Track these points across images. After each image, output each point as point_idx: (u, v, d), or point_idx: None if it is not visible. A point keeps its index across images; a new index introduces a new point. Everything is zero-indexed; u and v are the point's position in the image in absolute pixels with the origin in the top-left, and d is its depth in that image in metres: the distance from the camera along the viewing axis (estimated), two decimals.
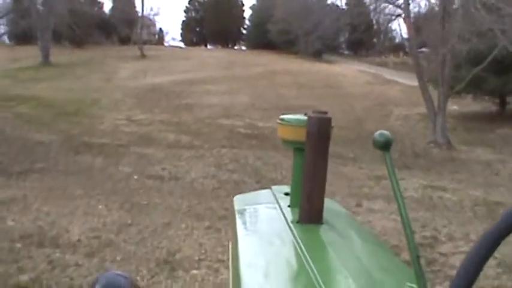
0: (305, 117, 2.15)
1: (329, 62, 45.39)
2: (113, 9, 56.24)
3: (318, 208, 2.08)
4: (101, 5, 56.89)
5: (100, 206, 7.60)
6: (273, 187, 2.79)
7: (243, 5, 65.56)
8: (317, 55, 48.48)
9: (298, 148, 2.28)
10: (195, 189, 9.16)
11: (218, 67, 34.80)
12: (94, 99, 22.46)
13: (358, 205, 8.46)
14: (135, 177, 9.78)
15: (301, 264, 1.67)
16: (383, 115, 21.37)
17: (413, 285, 1.36)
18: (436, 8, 20.52)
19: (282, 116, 2.37)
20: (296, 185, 2.28)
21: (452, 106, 20.40)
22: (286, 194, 2.53)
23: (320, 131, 2.07)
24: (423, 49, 49.88)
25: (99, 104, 21.39)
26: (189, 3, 67.44)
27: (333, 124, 2.16)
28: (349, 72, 35.87)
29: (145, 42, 53.87)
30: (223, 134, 15.80)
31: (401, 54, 53.69)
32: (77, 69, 34.52)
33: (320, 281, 1.50)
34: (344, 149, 14.31)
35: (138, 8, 49.16)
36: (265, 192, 2.80)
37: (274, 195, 2.59)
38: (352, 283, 1.51)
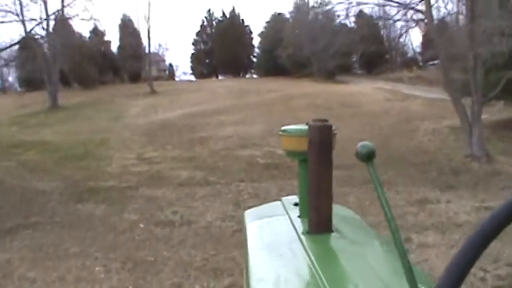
0: (306, 127, 2.12)
1: (343, 82, 44.24)
2: (120, 47, 55.65)
3: (326, 217, 2.06)
4: (108, 44, 56.26)
5: (97, 268, 6.28)
6: (283, 198, 2.79)
7: (251, 32, 64.81)
8: (330, 76, 47.53)
9: (302, 159, 2.27)
10: (211, 235, 7.76)
11: (230, 96, 33.74)
12: (103, 139, 21.36)
13: (407, 240, 6.98)
14: (141, 225, 8.42)
15: (311, 275, 1.64)
16: (409, 131, 19.91)
17: None
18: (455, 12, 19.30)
19: (283, 127, 2.35)
20: (303, 195, 2.26)
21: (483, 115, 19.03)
22: (296, 204, 2.51)
23: (322, 139, 2.04)
24: (436, 61, 49.06)
25: (107, 144, 20.26)
26: (196, 35, 66.89)
27: (335, 131, 2.13)
28: (366, 90, 34.56)
29: (156, 78, 53.35)
30: (240, 166, 14.46)
31: (414, 68, 52.74)
32: (85, 110, 33.75)
33: None
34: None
35: (146, 44, 48.42)
36: (275, 204, 2.80)
37: (284, 206, 2.61)
38: None
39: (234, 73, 60.71)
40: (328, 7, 27.72)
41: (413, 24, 20.52)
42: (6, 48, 25.63)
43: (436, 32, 17.12)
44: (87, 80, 49.31)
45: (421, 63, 56.10)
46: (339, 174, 12.76)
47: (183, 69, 75.63)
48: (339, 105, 26.65)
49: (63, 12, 37.98)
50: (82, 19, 35.32)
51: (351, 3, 18.62)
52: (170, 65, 73.54)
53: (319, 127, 2.04)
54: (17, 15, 30.63)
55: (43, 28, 37.89)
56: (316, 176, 2.05)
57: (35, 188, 12.45)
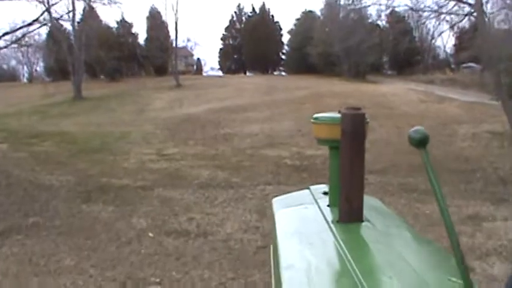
0: (339, 115, 2.06)
1: (374, 82, 42.90)
2: (147, 39, 54.86)
3: (357, 207, 2.03)
4: (135, 36, 55.52)
5: None
6: (312, 187, 2.76)
7: (281, 29, 63.63)
8: (360, 76, 46.28)
9: (333, 147, 2.25)
10: (230, 251, 6.50)
11: (258, 93, 32.63)
12: (123, 132, 20.37)
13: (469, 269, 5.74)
14: (151, 234, 7.20)
15: (343, 265, 1.63)
16: (447, 135, 18.47)
17: (459, 281, 1.35)
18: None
19: (315, 115, 2.32)
20: (334, 183, 2.25)
21: None
22: (325, 193, 2.51)
23: (355, 128, 1.98)
24: (471, 64, 47.72)
25: (128, 137, 19.24)
26: (225, 31, 65.92)
27: (367, 120, 2.06)
28: (398, 91, 33.13)
29: (183, 73, 52.69)
30: (267, 167, 13.22)
31: (447, 70, 51.27)
32: (109, 102, 33.05)
33: (363, 281, 1.45)
34: (415, 180, 11.57)
35: (173, 36, 47.56)
36: (303, 192, 2.76)
37: (313, 195, 2.58)
38: (397, 283, 1.47)
39: (262, 70, 59.59)
40: (363, 5, 26.10)
41: (460, 19, 19.09)
42: (20, 28, 24.62)
43: (484, 27, 15.64)
44: (113, 72, 48.67)
45: (453, 66, 54.70)
46: (373, 179, 11.47)
47: (211, 64, 74.78)
48: (372, 106, 25.26)
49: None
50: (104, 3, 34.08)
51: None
52: (198, 59, 72.86)
53: (352, 115, 2.00)
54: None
55: (68, 16, 37.11)
56: (348, 165, 2.01)
57: (42, 182, 11.38)
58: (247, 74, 62.21)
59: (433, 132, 18.85)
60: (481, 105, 24.82)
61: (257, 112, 24.27)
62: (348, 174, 2.00)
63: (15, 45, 27.70)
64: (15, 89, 47.79)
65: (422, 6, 18.61)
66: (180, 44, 58.29)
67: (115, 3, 34.36)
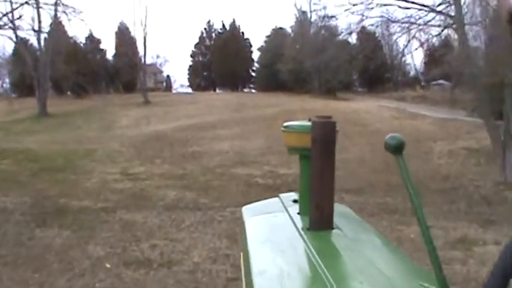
0: (309, 123, 2.09)
1: (345, 99, 42.76)
2: (115, 55, 53.91)
3: (327, 214, 2.03)
4: (104, 52, 54.56)
5: None
6: (281, 195, 2.77)
7: (251, 46, 63.20)
8: (331, 93, 46.09)
9: (304, 155, 2.22)
10: (198, 285, 5.75)
11: (228, 110, 32.05)
12: (88, 150, 19.53)
13: None
14: (107, 265, 6.41)
15: (315, 271, 1.62)
16: (423, 152, 18.03)
17: (432, 287, 1.38)
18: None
19: (286, 123, 2.33)
20: (304, 191, 2.23)
21: None
22: (295, 201, 2.49)
23: (325, 136, 2.00)
24: (441, 81, 47.88)
25: (92, 156, 18.41)
26: (195, 47, 65.25)
27: (337, 129, 2.05)
28: (370, 108, 32.91)
29: (152, 90, 51.89)
30: (237, 186, 12.54)
31: (417, 87, 51.51)
32: (75, 119, 32.15)
33: (335, 287, 1.45)
34: (394, 200, 11.04)
35: (142, 52, 46.83)
36: (273, 200, 2.76)
37: (283, 203, 2.56)
38: None
39: (232, 87, 58.97)
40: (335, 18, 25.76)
41: (437, 33, 18.75)
42: None
43: (465, 40, 15.21)
44: (79, 88, 47.59)
45: (423, 83, 54.93)
46: (350, 199, 10.86)
47: (181, 81, 73.87)
48: (345, 123, 24.78)
49: (56, 15, 36.30)
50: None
51: (369, 6, 16.84)
52: (168, 76, 72.08)
53: (322, 123, 2.01)
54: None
55: (33, 30, 36.28)
56: (319, 172, 2.01)
57: None
58: (217, 91, 61.55)
59: (409, 149, 18.12)
60: (454, 122, 24.61)
61: (227, 129, 23.65)
62: (319, 181, 2.01)
63: None
64: None
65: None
66: (150, 60, 57.61)
67: (79, 13, 33.69)
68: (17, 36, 36.75)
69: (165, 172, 14.67)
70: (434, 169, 15.75)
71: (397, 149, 1.37)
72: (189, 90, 64.95)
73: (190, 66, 66.21)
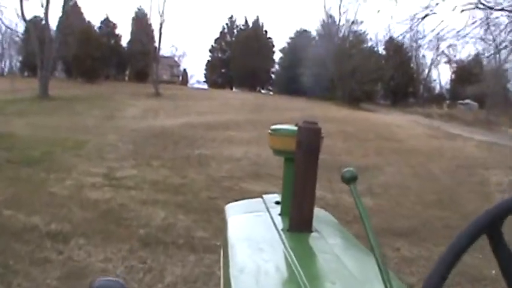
0: (295, 128, 2.14)
1: (370, 110, 39.82)
2: (130, 42, 51.31)
3: (307, 217, 2.07)
4: (119, 37, 52.05)
5: None
6: (264, 196, 2.77)
7: (273, 46, 60.29)
8: (355, 102, 43.14)
9: (288, 158, 2.28)
10: None
11: (245, 110, 29.21)
12: (78, 141, 16.56)
13: None
14: None
15: (291, 271, 1.67)
16: (476, 183, 14.78)
17: None
18: None
19: (273, 127, 2.36)
20: (286, 193, 2.28)
21: None
22: (277, 202, 2.52)
23: (310, 141, 2.05)
24: (468, 101, 45.06)
25: (81, 148, 15.42)
26: (215, 42, 62.42)
27: (323, 135, 2.10)
28: (400, 122, 30.03)
29: (167, 82, 49.36)
30: None
31: (444, 105, 48.82)
32: (77, 104, 29.49)
33: (308, 285, 1.51)
34: (470, 256, 7.94)
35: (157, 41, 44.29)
36: (257, 200, 2.77)
37: (265, 204, 2.58)
38: None
39: (249, 86, 56.00)
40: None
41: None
42: None
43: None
44: (90, 73, 45.11)
45: (447, 101, 52.26)
46: (408, 250, 7.64)
47: (198, 77, 71.14)
48: (376, 137, 21.79)
49: None
50: None
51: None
52: (184, 70, 69.44)
53: (308, 129, 2.06)
54: None
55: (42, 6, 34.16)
56: (302, 176, 2.06)
57: None
58: (234, 89, 58.75)
59: (458, 178, 15.18)
60: (500, 147, 21.53)
61: (242, 132, 20.72)
62: (301, 184, 2.06)
63: None
64: None
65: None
66: (167, 52, 55.01)
67: None
68: (23, 13, 34.70)
69: (160, 180, 11.59)
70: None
71: (350, 179, 1.45)
72: (205, 86, 62.33)
73: (208, 61, 63.48)
